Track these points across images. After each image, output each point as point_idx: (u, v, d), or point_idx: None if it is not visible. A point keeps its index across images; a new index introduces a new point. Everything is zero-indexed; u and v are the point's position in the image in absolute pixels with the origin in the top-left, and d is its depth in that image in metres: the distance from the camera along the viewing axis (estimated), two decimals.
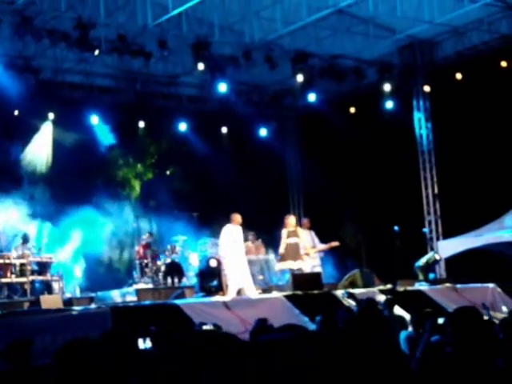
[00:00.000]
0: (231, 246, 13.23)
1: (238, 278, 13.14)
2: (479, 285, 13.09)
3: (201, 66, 16.00)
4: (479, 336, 3.87)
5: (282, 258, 13.87)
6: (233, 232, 13.33)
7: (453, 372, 3.68)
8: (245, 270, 13.23)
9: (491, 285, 13.28)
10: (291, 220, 14.17)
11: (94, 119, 18.30)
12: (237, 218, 13.42)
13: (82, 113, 18.12)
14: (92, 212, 17.39)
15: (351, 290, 12.26)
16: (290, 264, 13.77)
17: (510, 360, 3.95)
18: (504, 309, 12.10)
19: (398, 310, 10.85)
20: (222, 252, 13.48)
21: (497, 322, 6.29)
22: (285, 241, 13.80)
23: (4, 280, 13.30)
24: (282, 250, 13.81)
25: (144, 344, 7.84)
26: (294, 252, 13.88)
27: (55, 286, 14.24)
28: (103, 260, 18.10)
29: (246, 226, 17.04)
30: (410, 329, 7.74)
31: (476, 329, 3.90)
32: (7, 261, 13.59)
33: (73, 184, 17.23)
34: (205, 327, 6.89)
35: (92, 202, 17.46)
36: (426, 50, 18.76)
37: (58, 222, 16.35)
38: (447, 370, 3.72)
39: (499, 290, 13.19)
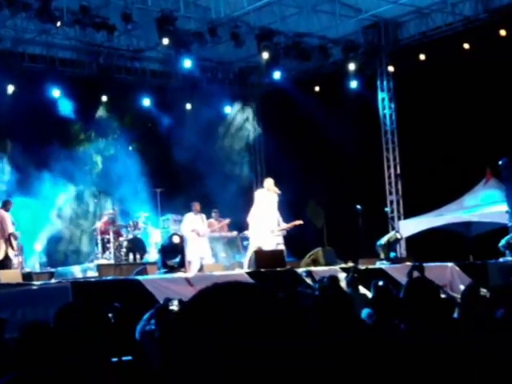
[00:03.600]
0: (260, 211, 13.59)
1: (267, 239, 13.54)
2: (438, 263, 13.26)
3: (165, 41, 15.80)
4: (434, 310, 3.73)
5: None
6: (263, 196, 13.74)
7: (405, 350, 3.56)
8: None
9: (450, 264, 13.47)
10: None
11: (56, 92, 17.97)
12: (268, 182, 13.86)
13: (43, 85, 17.79)
14: (52, 187, 17.15)
15: (312, 268, 12.31)
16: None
17: (466, 339, 3.80)
18: (462, 287, 12.30)
19: (361, 289, 10.97)
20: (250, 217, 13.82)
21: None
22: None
23: None
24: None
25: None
26: None
27: (14, 260, 14.02)
28: (64, 235, 17.88)
29: (210, 203, 17.07)
30: None
31: (431, 302, 3.75)
32: None
33: (33, 158, 16.94)
34: (170, 303, 6.87)
35: (53, 176, 17.20)
36: (391, 30, 18.81)
37: (17, 196, 16.08)
38: (399, 348, 3.59)
39: (457, 268, 13.39)
